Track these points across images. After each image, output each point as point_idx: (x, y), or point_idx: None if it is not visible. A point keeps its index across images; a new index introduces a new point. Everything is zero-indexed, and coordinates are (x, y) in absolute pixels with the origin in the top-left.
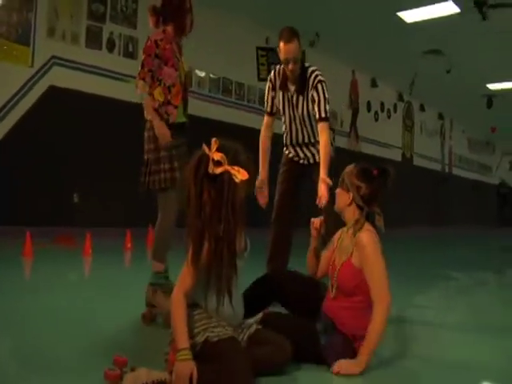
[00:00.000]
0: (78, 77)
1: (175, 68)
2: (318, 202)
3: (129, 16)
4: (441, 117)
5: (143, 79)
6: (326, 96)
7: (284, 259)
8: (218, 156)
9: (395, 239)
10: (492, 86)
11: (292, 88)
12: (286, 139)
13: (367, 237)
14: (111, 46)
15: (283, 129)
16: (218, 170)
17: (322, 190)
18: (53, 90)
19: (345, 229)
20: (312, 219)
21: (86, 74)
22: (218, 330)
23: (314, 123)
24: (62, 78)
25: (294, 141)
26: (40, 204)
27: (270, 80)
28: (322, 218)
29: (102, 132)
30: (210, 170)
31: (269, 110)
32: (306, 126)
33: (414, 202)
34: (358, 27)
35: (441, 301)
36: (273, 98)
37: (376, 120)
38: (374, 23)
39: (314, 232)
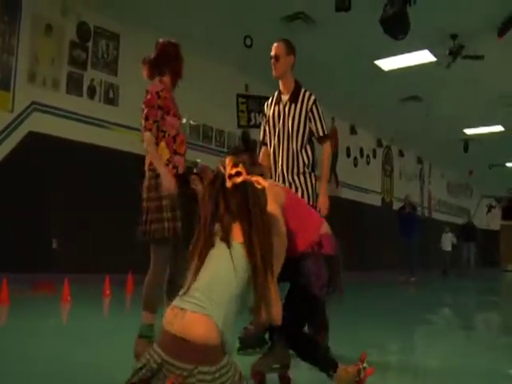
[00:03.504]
0: (59, 123)
1: (177, 117)
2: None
3: (110, 63)
4: (420, 161)
5: (150, 130)
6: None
7: None
8: (236, 168)
9: (377, 284)
10: (468, 131)
11: (285, 98)
12: (272, 168)
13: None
14: (92, 93)
15: (271, 159)
16: (239, 180)
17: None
18: (32, 136)
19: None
20: None
21: (67, 120)
22: None
23: (299, 142)
24: (42, 124)
25: (280, 163)
26: (18, 250)
27: (266, 104)
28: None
29: (82, 178)
30: (229, 184)
31: (261, 138)
32: (292, 144)
33: (395, 247)
34: (337, 76)
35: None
36: (264, 126)
37: (355, 166)
38: (352, 72)
39: None
